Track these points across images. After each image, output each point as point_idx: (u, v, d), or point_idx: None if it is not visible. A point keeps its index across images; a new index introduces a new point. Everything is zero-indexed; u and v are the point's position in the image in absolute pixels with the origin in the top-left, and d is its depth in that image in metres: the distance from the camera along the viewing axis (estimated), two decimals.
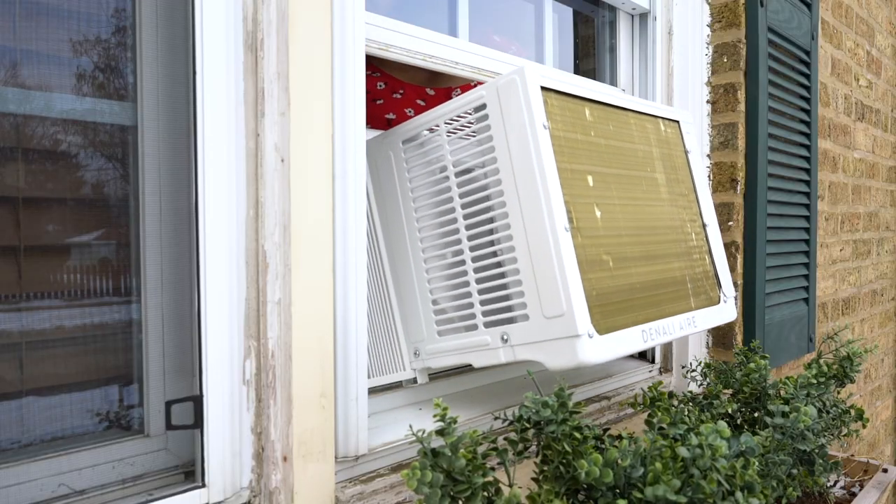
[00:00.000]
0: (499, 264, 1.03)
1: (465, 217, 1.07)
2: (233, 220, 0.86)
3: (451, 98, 1.08)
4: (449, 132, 1.09)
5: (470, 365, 1.09)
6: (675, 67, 1.67)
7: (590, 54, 1.72)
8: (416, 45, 1.14)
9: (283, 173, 0.88)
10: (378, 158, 1.18)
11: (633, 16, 1.67)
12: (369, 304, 1.15)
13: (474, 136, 1.06)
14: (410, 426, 1.02)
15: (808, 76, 2.01)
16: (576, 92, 1.08)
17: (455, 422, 0.80)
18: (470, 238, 1.07)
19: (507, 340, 1.03)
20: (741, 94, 1.72)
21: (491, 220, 1.04)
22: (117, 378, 0.84)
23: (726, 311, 1.31)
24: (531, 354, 1.00)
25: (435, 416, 0.80)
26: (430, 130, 1.12)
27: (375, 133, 1.20)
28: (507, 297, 1.03)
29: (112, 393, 0.83)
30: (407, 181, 1.15)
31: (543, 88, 1.01)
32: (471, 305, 1.07)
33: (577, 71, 1.73)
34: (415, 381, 1.18)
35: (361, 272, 0.97)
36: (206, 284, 0.83)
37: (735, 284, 1.73)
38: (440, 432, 0.80)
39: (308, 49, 0.91)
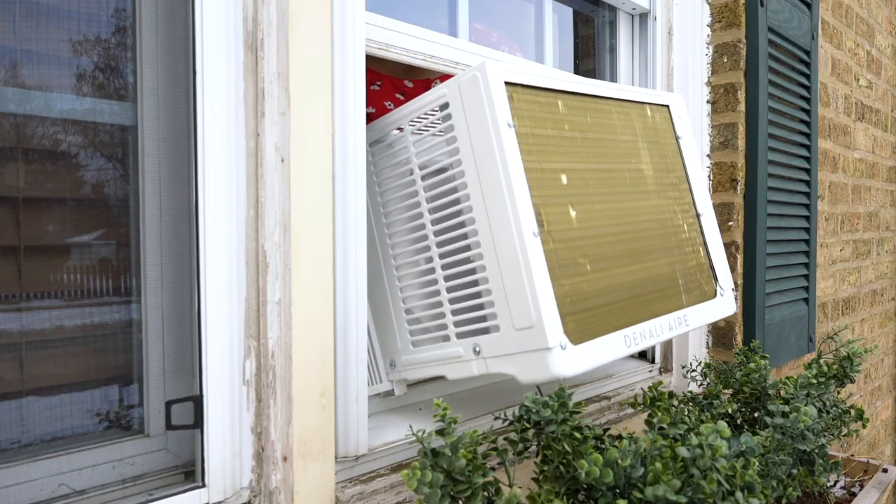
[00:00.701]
0: (470, 272, 0.98)
1: (434, 222, 1.02)
2: (233, 219, 0.86)
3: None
4: (416, 132, 1.03)
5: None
6: (675, 67, 1.67)
7: (590, 54, 1.72)
8: (417, 45, 1.14)
9: (283, 173, 0.88)
10: None
11: (633, 16, 1.67)
12: None
13: (442, 136, 1.00)
14: (411, 426, 1.02)
15: (808, 76, 2.01)
16: (546, 84, 1.02)
17: (455, 422, 0.80)
18: (439, 244, 1.01)
19: (479, 352, 0.98)
20: (741, 94, 1.72)
21: (462, 225, 0.99)
22: (117, 378, 0.84)
23: (724, 304, 1.24)
24: (503, 367, 0.95)
25: (435, 416, 0.80)
26: (399, 130, 1.07)
27: None
28: (478, 307, 0.98)
29: (112, 393, 0.83)
30: (375, 185, 1.09)
31: (509, 84, 0.95)
32: (443, 315, 1.02)
33: (577, 71, 1.73)
34: (392, 392, 1.13)
35: (362, 272, 0.97)
36: (206, 284, 0.83)
37: (735, 284, 1.73)
38: (440, 432, 0.80)
39: (308, 49, 0.91)
